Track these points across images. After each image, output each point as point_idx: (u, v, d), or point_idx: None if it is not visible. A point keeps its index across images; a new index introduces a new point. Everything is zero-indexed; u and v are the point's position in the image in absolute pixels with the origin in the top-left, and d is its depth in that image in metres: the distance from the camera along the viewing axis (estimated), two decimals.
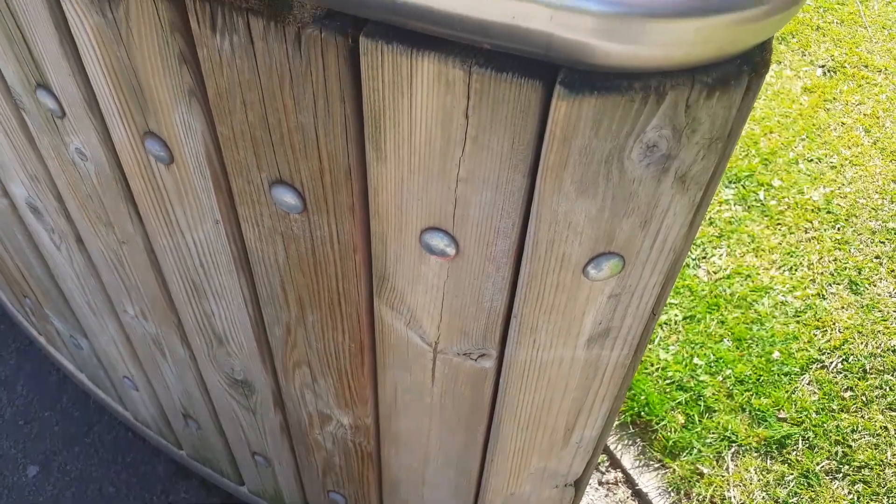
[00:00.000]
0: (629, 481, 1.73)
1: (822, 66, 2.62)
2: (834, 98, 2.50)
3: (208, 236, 0.84)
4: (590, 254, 0.65)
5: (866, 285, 2.00)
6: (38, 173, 0.96)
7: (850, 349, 1.87)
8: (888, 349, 1.88)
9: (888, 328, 1.91)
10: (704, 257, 2.08)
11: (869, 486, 1.66)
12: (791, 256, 2.06)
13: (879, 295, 1.98)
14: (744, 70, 0.54)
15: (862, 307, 1.95)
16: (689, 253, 1.93)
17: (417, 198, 0.65)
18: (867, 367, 1.84)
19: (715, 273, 2.03)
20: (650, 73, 0.51)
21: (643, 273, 0.68)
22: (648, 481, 1.73)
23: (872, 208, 2.18)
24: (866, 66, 2.61)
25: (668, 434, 1.75)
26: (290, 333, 0.92)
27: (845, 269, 2.03)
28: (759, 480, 1.68)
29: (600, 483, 1.73)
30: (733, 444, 1.74)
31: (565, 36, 0.48)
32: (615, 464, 1.77)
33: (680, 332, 1.92)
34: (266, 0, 0.56)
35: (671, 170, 0.58)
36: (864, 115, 2.44)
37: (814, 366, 1.85)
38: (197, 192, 0.78)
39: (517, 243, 0.66)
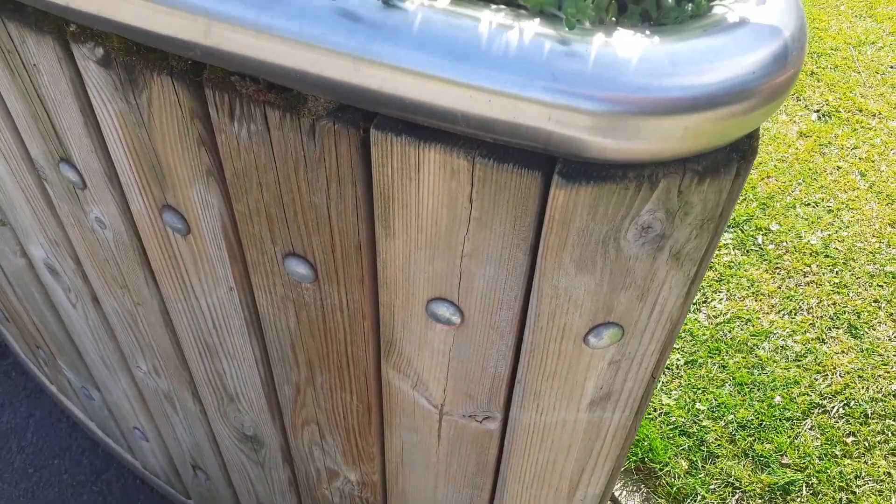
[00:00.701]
0: None
1: (817, 111, 2.67)
2: (829, 142, 2.54)
3: (222, 301, 0.87)
4: (590, 324, 0.68)
5: (866, 329, 2.02)
6: (58, 238, 1.00)
7: (851, 394, 1.89)
8: (889, 394, 1.89)
9: (888, 372, 1.93)
10: (705, 301, 2.10)
11: None
12: (790, 300, 2.09)
13: (879, 339, 2.00)
14: (733, 157, 0.57)
15: (862, 351, 1.97)
16: None
17: (424, 271, 0.68)
18: (868, 412, 1.85)
19: (715, 317, 2.06)
20: (643, 163, 0.55)
21: (642, 341, 0.70)
22: None
23: (870, 252, 2.20)
24: (860, 111, 2.66)
25: (673, 480, 1.76)
26: (300, 393, 0.94)
27: (844, 312, 2.06)
28: None
29: None
30: (737, 491, 1.75)
31: (563, 133, 0.52)
32: None
33: (682, 376, 1.94)
34: (282, 94, 0.60)
35: (666, 248, 0.61)
36: (860, 159, 2.48)
37: (815, 410, 1.86)
38: (212, 261, 0.81)
39: (520, 314, 0.69)
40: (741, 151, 0.58)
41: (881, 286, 2.12)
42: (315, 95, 0.59)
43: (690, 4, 0.54)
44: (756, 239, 2.24)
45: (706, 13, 0.54)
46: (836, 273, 2.15)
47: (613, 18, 0.55)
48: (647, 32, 0.51)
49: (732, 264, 2.18)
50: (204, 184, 0.72)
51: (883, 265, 2.18)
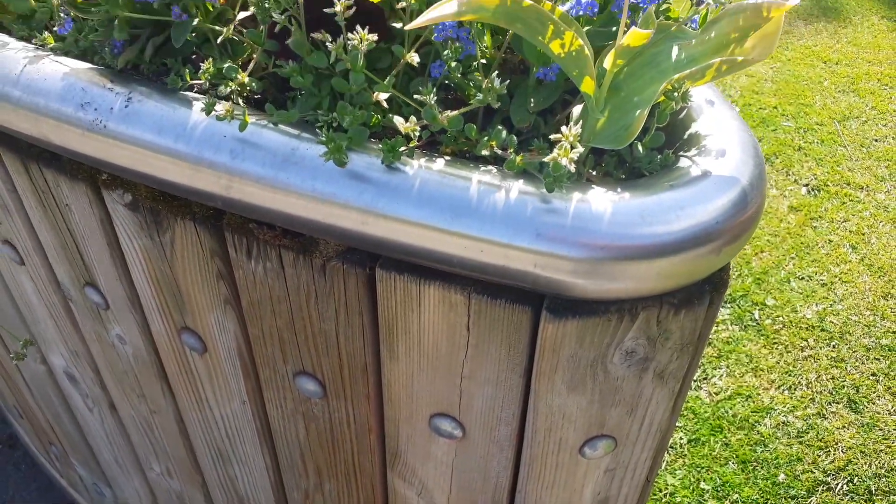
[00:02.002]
0: None
1: (807, 185, 2.75)
2: (819, 216, 2.61)
3: (235, 413, 0.91)
4: (584, 437, 0.72)
5: (865, 403, 2.04)
6: (79, 350, 1.05)
7: (854, 470, 1.90)
8: (892, 469, 1.90)
9: (890, 447, 1.95)
10: (705, 378, 2.13)
11: None
12: (789, 375, 2.12)
13: (879, 413, 2.02)
14: (706, 290, 0.63)
15: (863, 426, 1.99)
16: None
17: (427, 390, 0.73)
18: (872, 489, 1.86)
19: (716, 394, 2.08)
20: (623, 300, 0.60)
21: (634, 450, 0.75)
22: None
23: (865, 325, 2.24)
24: (848, 184, 2.74)
25: None
26: (308, 498, 0.98)
27: (843, 387, 2.08)
28: None
29: None
30: None
31: (548, 276, 0.58)
32: None
33: (686, 455, 1.95)
34: (296, 238, 0.66)
35: (650, 369, 0.66)
36: (850, 231, 2.55)
37: (820, 488, 1.87)
38: (227, 377, 0.86)
39: (518, 429, 0.73)
40: (713, 283, 0.63)
41: (878, 359, 2.15)
42: (326, 240, 0.65)
43: (660, 156, 0.61)
44: (753, 314, 2.29)
45: (674, 164, 0.61)
46: (833, 347, 2.19)
47: (591, 170, 0.61)
48: (619, 189, 0.57)
49: (731, 340, 2.22)
50: (221, 311, 0.77)
51: (879, 338, 2.21)
